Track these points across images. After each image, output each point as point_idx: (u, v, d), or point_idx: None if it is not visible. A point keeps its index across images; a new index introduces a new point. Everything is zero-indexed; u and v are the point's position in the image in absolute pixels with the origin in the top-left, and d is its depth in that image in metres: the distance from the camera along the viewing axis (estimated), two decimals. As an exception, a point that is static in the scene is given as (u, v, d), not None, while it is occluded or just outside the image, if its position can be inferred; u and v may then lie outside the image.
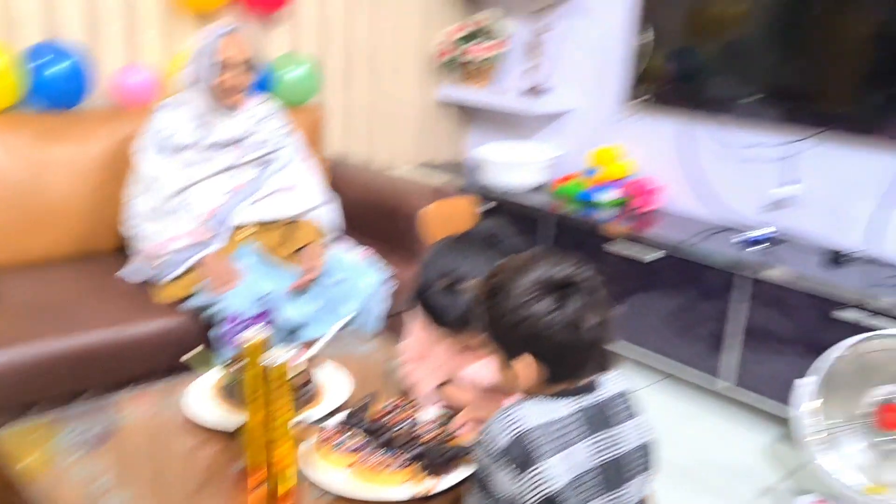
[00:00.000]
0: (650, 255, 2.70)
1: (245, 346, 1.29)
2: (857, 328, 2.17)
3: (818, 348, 2.13)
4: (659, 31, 2.88)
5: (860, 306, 2.23)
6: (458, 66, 3.49)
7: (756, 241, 2.62)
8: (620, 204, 3.00)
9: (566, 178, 3.15)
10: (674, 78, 2.90)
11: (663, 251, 2.67)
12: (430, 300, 1.51)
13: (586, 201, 3.02)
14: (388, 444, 1.39)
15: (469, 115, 3.72)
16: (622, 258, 2.77)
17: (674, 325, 2.67)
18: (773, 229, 2.68)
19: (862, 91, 2.45)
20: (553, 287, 1.16)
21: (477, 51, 3.40)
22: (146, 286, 2.25)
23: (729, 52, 2.74)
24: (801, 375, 2.11)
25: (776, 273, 2.41)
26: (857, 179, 2.54)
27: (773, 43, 2.62)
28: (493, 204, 3.11)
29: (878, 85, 2.39)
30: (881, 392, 1.98)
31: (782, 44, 2.60)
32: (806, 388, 2.09)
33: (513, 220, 2.97)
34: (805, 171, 2.65)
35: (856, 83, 2.46)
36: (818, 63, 2.53)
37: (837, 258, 2.47)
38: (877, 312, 2.20)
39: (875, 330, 2.06)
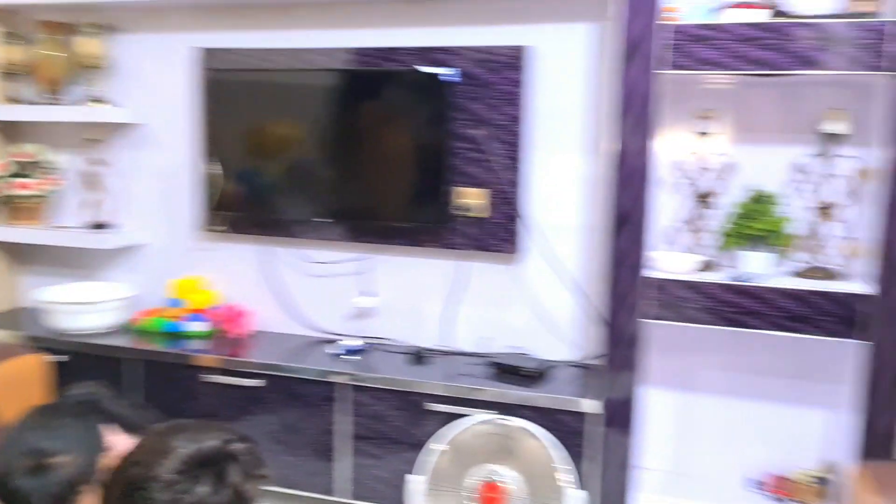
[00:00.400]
0: (249, 380, 2.65)
1: None
2: (448, 417, 2.39)
3: (422, 442, 2.29)
4: (225, 160, 2.92)
5: (446, 397, 2.47)
6: (4, 205, 3.10)
7: (350, 351, 2.75)
8: (211, 333, 2.92)
9: (149, 314, 2.97)
10: (247, 204, 2.94)
11: (262, 373, 2.65)
12: (13, 487, 1.27)
13: (175, 334, 2.88)
14: None
15: (23, 256, 3.30)
16: (222, 387, 2.68)
17: (283, 446, 2.64)
18: (363, 338, 2.85)
19: (414, 206, 2.76)
20: (206, 464, 1.04)
21: (24, 187, 3.06)
22: None
23: (294, 176, 2.88)
24: (412, 471, 2.24)
25: (371, 378, 2.55)
26: (425, 284, 2.84)
27: (331, 166, 2.83)
28: (66, 357, 2.77)
29: (425, 199, 2.73)
30: (479, 473, 2.19)
31: (339, 167, 2.82)
32: (416, 484, 2.23)
33: (93, 365, 2.73)
34: (381, 280, 2.89)
35: (408, 199, 2.77)
36: (374, 183, 2.79)
37: (420, 356, 2.71)
38: (460, 400, 2.45)
39: (462, 416, 2.29)
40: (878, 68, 2.06)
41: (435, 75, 2.63)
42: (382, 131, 2.75)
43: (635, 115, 2.24)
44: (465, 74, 2.64)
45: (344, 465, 2.59)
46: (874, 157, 2.22)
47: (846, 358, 2.33)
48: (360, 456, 2.57)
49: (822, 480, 2.41)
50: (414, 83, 2.68)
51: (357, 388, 2.56)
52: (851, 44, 2.07)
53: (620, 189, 2.28)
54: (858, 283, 2.23)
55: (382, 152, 2.75)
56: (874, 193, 2.18)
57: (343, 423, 2.58)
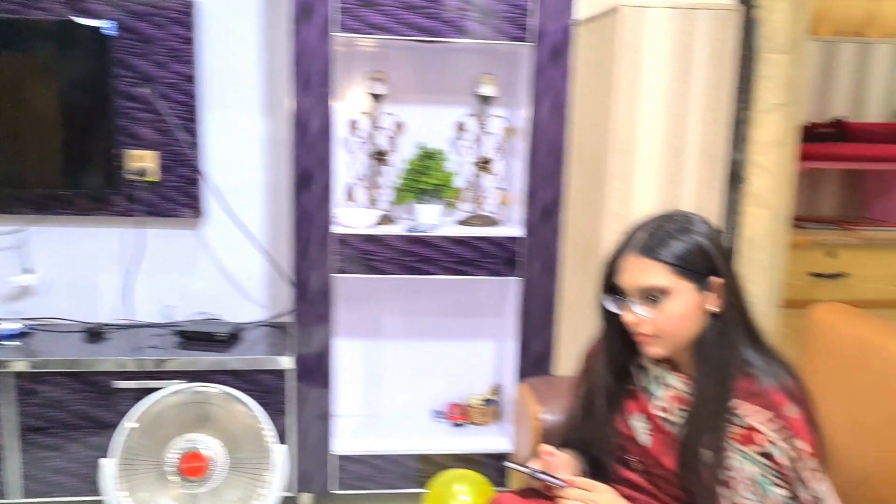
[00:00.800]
0: None
1: None
2: (141, 392, 2.28)
3: (115, 423, 2.16)
4: None
5: (133, 372, 2.34)
6: None
7: (7, 336, 2.46)
8: None
9: None
10: None
11: None
12: None
13: None
14: None
15: None
16: None
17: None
18: (23, 319, 2.56)
19: (76, 171, 2.51)
20: None
21: None
22: None
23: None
24: (106, 454, 2.11)
25: (39, 362, 2.32)
26: (97, 255, 2.63)
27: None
28: None
29: (89, 164, 2.50)
30: (179, 444, 2.13)
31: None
32: (109, 467, 2.10)
33: None
34: (42, 255, 2.61)
35: (69, 164, 2.51)
36: (23, 147, 2.47)
37: (97, 333, 2.51)
38: (150, 373, 2.34)
39: (153, 389, 2.20)
40: (521, 39, 2.35)
41: (94, 28, 2.41)
42: (30, 89, 2.45)
43: (311, 77, 2.29)
44: (126, 29, 2.46)
45: (12, 467, 2.33)
46: (520, 116, 2.54)
47: (508, 293, 2.66)
48: (34, 449, 2.34)
49: (490, 402, 2.76)
50: (68, 36, 2.42)
51: (21, 375, 2.31)
52: (498, 16, 2.33)
53: (301, 148, 2.33)
54: (512, 228, 2.56)
55: (32, 113, 2.46)
56: (519, 149, 2.50)
57: (9, 420, 2.31)
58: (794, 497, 1.30)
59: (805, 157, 2.46)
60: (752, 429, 1.33)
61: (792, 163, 2.15)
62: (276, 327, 2.69)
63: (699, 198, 2.20)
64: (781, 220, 2.18)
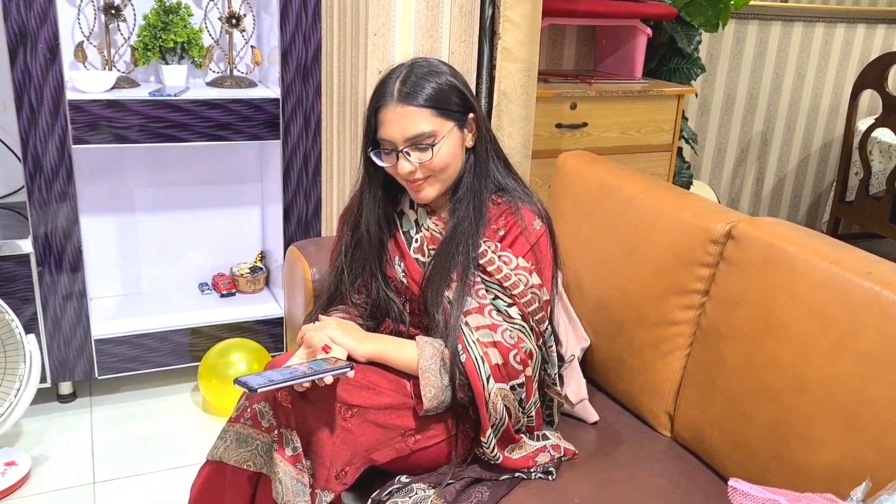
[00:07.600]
0: None
1: None
2: None
3: None
4: None
5: None
6: None
7: None
8: None
9: None
10: None
11: None
12: None
13: None
14: None
15: None
16: None
17: None
18: None
19: None
20: None
21: None
22: None
23: None
24: None
25: None
26: None
27: None
28: None
29: None
30: None
31: None
32: None
33: None
34: None
35: None
36: None
37: None
38: None
39: None
40: None
41: None
42: None
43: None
44: None
45: None
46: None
47: (270, 157, 2.58)
48: None
49: (257, 269, 2.72)
50: None
51: None
52: None
53: (14, 2, 2.01)
54: (268, 88, 2.44)
55: None
56: (271, 3, 2.35)
57: None
58: (525, 311, 1.43)
59: (547, 13, 2.58)
60: (492, 257, 1.45)
61: (538, 18, 2.24)
62: (9, 209, 2.40)
63: (456, 52, 2.23)
64: (530, 73, 2.29)
